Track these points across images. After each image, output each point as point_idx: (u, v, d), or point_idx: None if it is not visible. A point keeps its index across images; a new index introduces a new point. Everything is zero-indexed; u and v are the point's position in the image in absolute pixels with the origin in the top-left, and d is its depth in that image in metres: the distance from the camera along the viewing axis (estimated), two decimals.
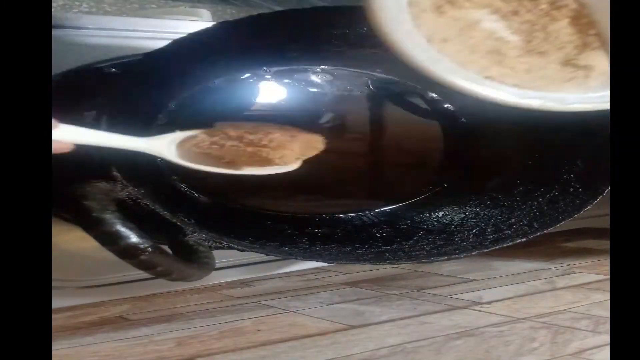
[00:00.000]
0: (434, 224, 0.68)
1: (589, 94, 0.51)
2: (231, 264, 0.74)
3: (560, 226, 0.61)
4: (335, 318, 0.61)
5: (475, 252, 0.61)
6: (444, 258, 0.64)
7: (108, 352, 0.53)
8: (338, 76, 0.73)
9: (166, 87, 0.64)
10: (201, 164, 0.54)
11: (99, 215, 0.46)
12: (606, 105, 0.50)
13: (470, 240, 0.64)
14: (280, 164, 0.56)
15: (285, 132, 0.57)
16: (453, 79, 0.49)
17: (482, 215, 0.68)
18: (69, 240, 0.62)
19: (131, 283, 0.67)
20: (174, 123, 0.63)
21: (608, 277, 0.72)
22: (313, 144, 0.59)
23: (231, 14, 0.99)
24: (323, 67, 0.71)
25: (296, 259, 0.73)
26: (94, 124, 0.54)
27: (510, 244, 0.61)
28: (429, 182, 0.74)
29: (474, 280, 0.74)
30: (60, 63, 0.60)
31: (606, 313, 0.60)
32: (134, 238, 0.46)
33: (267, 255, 0.64)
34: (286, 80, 0.72)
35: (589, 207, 0.61)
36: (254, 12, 0.65)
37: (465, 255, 0.62)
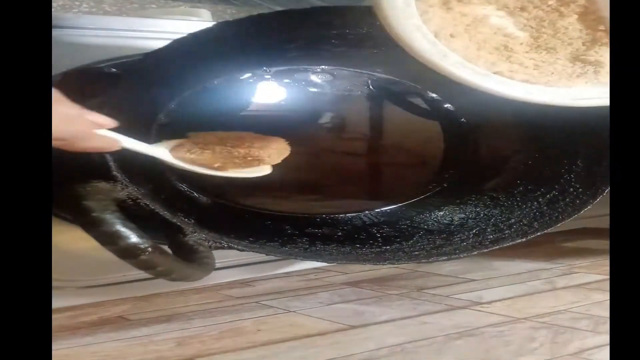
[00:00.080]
0: (434, 224, 0.68)
1: (599, 89, 0.51)
2: (231, 264, 0.73)
3: (560, 226, 0.62)
4: (335, 318, 0.61)
5: (475, 252, 0.61)
6: (444, 258, 0.64)
7: (108, 352, 0.53)
8: (338, 76, 0.73)
9: (166, 87, 0.64)
10: (195, 166, 0.55)
11: (99, 215, 0.46)
12: None
13: (470, 240, 0.64)
14: (268, 164, 0.57)
15: (257, 137, 0.58)
16: (462, 73, 0.49)
17: (482, 215, 0.68)
18: (69, 240, 0.62)
19: (131, 283, 0.67)
20: (174, 123, 0.63)
21: (608, 277, 0.72)
22: (283, 148, 0.60)
23: (231, 14, 0.99)
24: (323, 67, 0.71)
25: (296, 259, 0.73)
26: None
27: (510, 244, 0.61)
28: (429, 182, 0.74)
29: (474, 280, 0.74)
30: (60, 63, 0.60)
31: (606, 313, 0.60)
32: (134, 238, 0.46)
33: (267, 255, 0.64)
34: (286, 80, 0.72)
35: (589, 207, 0.61)
36: (254, 12, 0.65)
37: (465, 255, 0.62)
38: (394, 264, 0.75)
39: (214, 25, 0.62)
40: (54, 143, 0.41)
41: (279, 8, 0.75)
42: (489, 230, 0.64)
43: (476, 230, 0.65)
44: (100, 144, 0.47)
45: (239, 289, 0.72)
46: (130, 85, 0.60)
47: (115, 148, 0.49)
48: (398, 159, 0.79)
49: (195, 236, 0.54)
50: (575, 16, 0.54)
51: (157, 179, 0.61)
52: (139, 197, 0.52)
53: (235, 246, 0.57)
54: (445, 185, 0.73)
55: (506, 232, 0.63)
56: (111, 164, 0.51)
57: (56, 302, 0.62)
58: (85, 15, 0.89)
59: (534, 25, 0.54)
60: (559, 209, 0.63)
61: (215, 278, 0.71)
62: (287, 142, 0.60)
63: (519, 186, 0.68)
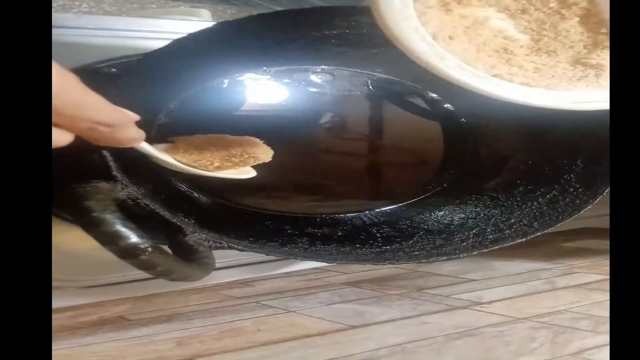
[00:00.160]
0: (434, 224, 0.68)
1: (600, 92, 0.51)
2: (231, 264, 0.73)
3: (560, 226, 0.61)
4: (335, 318, 0.61)
5: (475, 252, 0.61)
6: (444, 258, 0.63)
7: (108, 352, 0.53)
8: (338, 76, 0.73)
9: (166, 87, 0.64)
10: (192, 168, 0.55)
11: (99, 215, 0.46)
12: None
13: (470, 240, 0.64)
14: (262, 161, 0.58)
15: (237, 138, 0.59)
16: (460, 76, 0.49)
17: (482, 215, 0.68)
18: (69, 240, 0.62)
19: (131, 283, 0.67)
20: (174, 123, 0.63)
21: (608, 277, 0.72)
22: (265, 147, 0.60)
23: (231, 14, 0.99)
24: (323, 67, 0.71)
25: (296, 259, 0.73)
26: None
27: (510, 244, 0.61)
28: (429, 182, 0.74)
29: (474, 280, 0.74)
30: (60, 63, 0.60)
31: (606, 313, 0.60)
32: (134, 238, 0.46)
33: (267, 255, 0.64)
34: (286, 80, 0.72)
35: (589, 207, 0.61)
36: (254, 12, 0.65)
37: (465, 255, 0.62)
38: (394, 264, 0.75)
39: (214, 25, 0.62)
40: (98, 130, 0.41)
41: (279, 8, 0.75)
42: (489, 230, 0.64)
43: (476, 230, 0.65)
44: (136, 135, 0.47)
45: (239, 289, 0.72)
46: (130, 86, 0.60)
47: (141, 142, 0.49)
48: (398, 159, 0.79)
49: (195, 236, 0.54)
50: (577, 19, 0.54)
51: (157, 179, 0.61)
52: (139, 197, 0.52)
53: (235, 246, 0.57)
54: (445, 185, 0.73)
55: (506, 232, 0.63)
56: (111, 164, 0.51)
57: (56, 302, 0.62)
58: (85, 15, 0.89)
59: (535, 27, 0.54)
60: (559, 209, 0.63)
61: (215, 278, 0.71)
62: (263, 142, 0.60)
63: (519, 186, 0.68)
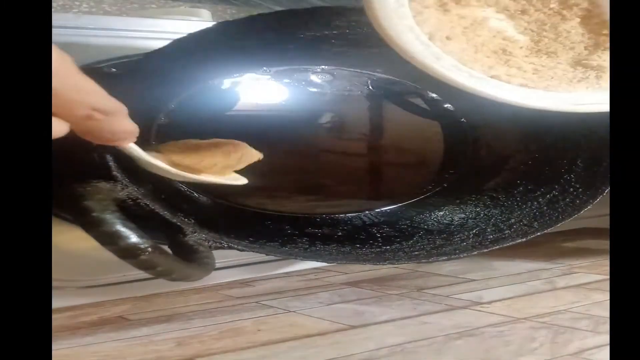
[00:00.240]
0: (434, 224, 0.68)
1: (600, 94, 0.51)
2: (231, 264, 0.73)
3: (560, 226, 0.61)
4: (335, 318, 0.61)
5: (475, 252, 0.61)
6: (444, 258, 0.64)
7: (108, 352, 0.53)
8: (338, 76, 0.73)
9: (166, 87, 0.64)
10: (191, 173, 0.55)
11: (99, 215, 0.46)
12: None
13: (470, 240, 0.64)
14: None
15: (223, 141, 0.58)
16: (456, 76, 0.49)
17: (482, 215, 0.68)
18: (69, 240, 0.62)
19: (131, 283, 0.67)
20: (174, 123, 0.63)
21: (608, 277, 0.72)
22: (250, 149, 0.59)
23: (231, 14, 0.99)
24: (323, 67, 0.71)
25: (296, 259, 0.73)
26: None
27: (510, 244, 0.61)
28: (429, 182, 0.74)
29: (474, 280, 0.74)
30: None
31: (606, 313, 0.60)
32: (134, 238, 0.46)
33: (267, 255, 0.64)
34: (286, 80, 0.72)
35: (589, 207, 0.61)
36: (254, 12, 0.65)
37: (465, 255, 0.62)
38: (394, 264, 0.75)
39: (214, 25, 0.62)
40: (94, 117, 0.40)
41: (279, 8, 0.75)
42: (489, 230, 0.64)
43: (476, 230, 0.65)
44: (130, 128, 0.44)
45: (239, 289, 0.72)
46: (130, 86, 0.60)
47: (133, 139, 0.47)
48: (398, 159, 0.79)
49: (195, 236, 0.54)
50: (578, 20, 0.53)
51: (157, 179, 0.61)
52: (139, 197, 0.52)
53: (235, 246, 0.57)
54: (445, 185, 0.73)
55: (506, 232, 0.63)
56: (111, 164, 0.51)
57: (56, 302, 0.62)
58: (85, 15, 0.89)
59: (535, 28, 0.53)
60: (559, 209, 0.63)
61: (215, 278, 0.71)
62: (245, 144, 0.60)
63: (519, 186, 0.68)
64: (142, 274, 0.49)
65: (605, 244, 0.90)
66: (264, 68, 0.69)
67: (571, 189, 0.64)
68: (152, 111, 0.64)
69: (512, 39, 0.52)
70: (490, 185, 0.71)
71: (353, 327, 0.58)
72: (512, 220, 0.65)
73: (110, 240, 0.46)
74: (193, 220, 0.58)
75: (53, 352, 0.51)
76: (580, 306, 0.62)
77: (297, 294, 0.70)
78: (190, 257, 0.52)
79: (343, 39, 0.66)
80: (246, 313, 0.63)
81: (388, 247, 0.64)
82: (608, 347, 0.51)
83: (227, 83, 0.69)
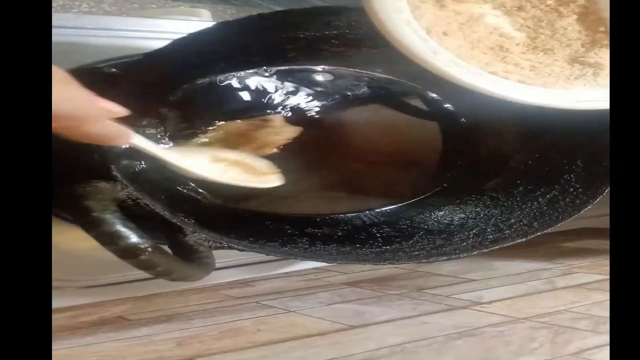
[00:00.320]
0: (434, 224, 0.68)
1: (598, 91, 0.51)
2: (231, 264, 0.73)
3: (560, 226, 0.61)
4: (335, 318, 0.61)
5: (475, 252, 0.61)
6: (444, 258, 0.64)
7: (108, 352, 0.53)
8: (338, 76, 0.73)
9: (166, 87, 0.64)
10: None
11: (99, 215, 0.46)
12: None
13: (470, 240, 0.64)
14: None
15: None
16: (453, 72, 0.48)
17: (482, 215, 0.68)
18: (69, 240, 0.62)
19: (131, 283, 0.67)
20: (173, 124, 0.63)
21: (608, 277, 0.72)
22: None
23: (231, 14, 0.99)
24: (323, 67, 0.71)
25: (296, 259, 0.73)
26: None
27: (510, 244, 0.61)
28: (429, 182, 0.74)
29: (474, 280, 0.74)
30: (60, 63, 0.60)
31: (606, 313, 0.60)
32: (134, 238, 0.46)
33: (267, 255, 0.64)
34: (287, 80, 0.72)
35: (589, 207, 0.61)
36: (254, 12, 0.65)
37: (465, 255, 0.62)
38: (394, 264, 0.75)
39: (214, 25, 0.63)
40: (60, 125, 0.39)
41: (279, 8, 0.75)
42: (489, 230, 0.64)
43: (476, 230, 0.65)
44: (110, 132, 0.43)
45: (239, 289, 0.72)
46: (130, 86, 0.60)
47: (125, 142, 0.46)
48: (398, 159, 0.79)
49: (195, 236, 0.54)
50: (575, 16, 0.53)
51: (157, 179, 0.61)
52: (139, 197, 0.52)
53: (235, 246, 0.57)
54: (445, 185, 0.73)
55: (506, 232, 0.63)
56: (111, 164, 0.51)
57: (56, 302, 0.62)
58: (85, 15, 0.89)
59: (532, 25, 0.53)
60: (559, 209, 0.63)
61: (215, 278, 0.71)
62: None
63: (519, 186, 0.68)
64: (142, 274, 0.49)
65: (605, 244, 0.90)
66: (264, 68, 0.69)
67: (571, 189, 0.64)
68: (151, 111, 0.64)
69: (509, 35, 0.52)
70: (490, 185, 0.70)
71: (353, 327, 0.58)
72: (512, 220, 0.65)
73: (110, 240, 0.46)
74: (193, 220, 0.58)
75: (53, 352, 0.51)
76: (580, 306, 0.62)
77: (297, 294, 0.70)
78: (190, 257, 0.52)
79: (343, 39, 0.66)
80: (246, 313, 0.63)
81: (388, 247, 0.64)
82: (608, 347, 0.51)
83: (228, 83, 0.69)
